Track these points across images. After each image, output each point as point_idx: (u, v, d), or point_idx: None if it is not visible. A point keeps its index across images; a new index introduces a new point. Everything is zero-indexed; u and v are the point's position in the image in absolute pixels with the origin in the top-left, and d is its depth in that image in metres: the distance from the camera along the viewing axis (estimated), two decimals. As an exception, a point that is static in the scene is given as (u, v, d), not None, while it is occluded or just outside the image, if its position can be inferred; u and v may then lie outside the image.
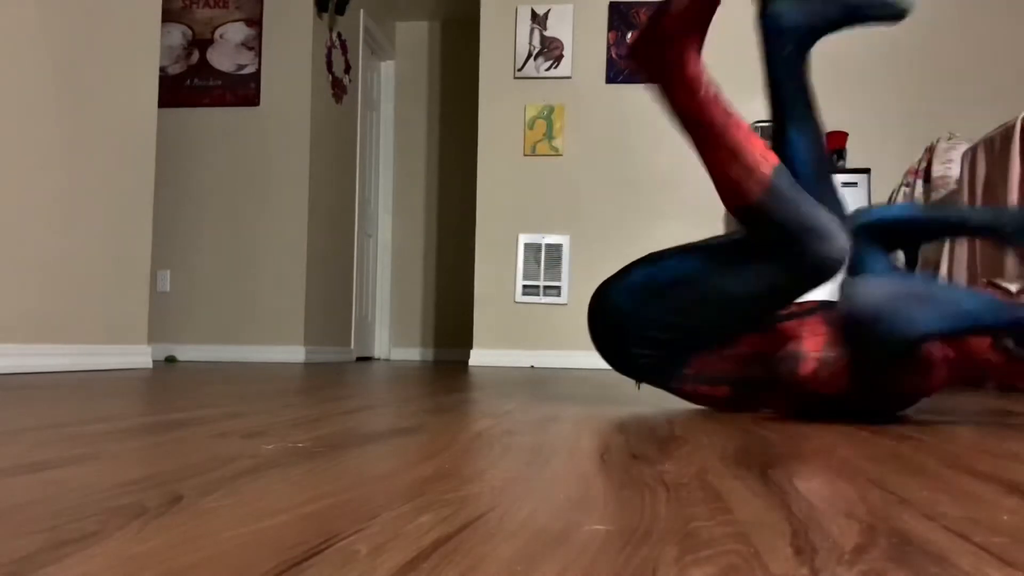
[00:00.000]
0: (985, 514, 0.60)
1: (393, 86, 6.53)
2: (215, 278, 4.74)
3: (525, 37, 5.07)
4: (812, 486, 0.72)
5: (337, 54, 5.22)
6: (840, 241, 1.37)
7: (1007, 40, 4.72)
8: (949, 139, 4.17)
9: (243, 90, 4.79)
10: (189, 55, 4.84)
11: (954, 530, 0.54)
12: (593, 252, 4.90)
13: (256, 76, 4.79)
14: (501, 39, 5.08)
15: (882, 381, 1.36)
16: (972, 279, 3.20)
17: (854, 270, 1.54)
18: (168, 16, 4.85)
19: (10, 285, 2.61)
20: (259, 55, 4.80)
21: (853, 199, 4.16)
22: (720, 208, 4.82)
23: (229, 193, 4.77)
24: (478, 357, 4.88)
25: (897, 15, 1.51)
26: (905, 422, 1.42)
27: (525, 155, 5.00)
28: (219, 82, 4.81)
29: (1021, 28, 4.71)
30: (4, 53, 2.58)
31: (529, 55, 5.06)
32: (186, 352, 4.71)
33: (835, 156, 4.32)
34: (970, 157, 3.28)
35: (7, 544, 0.45)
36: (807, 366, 1.38)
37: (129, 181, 3.25)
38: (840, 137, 4.33)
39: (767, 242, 1.42)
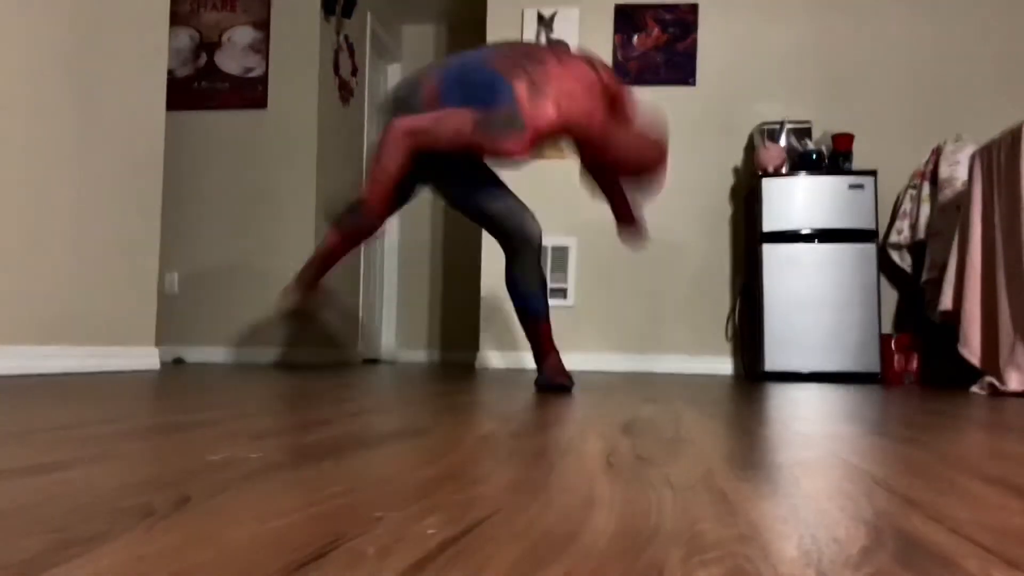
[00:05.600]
0: (993, 517, 0.60)
1: (399, 88, 6.53)
2: (223, 280, 4.75)
3: (531, 40, 5.07)
4: (818, 488, 0.72)
5: (344, 57, 5.23)
6: None
7: (1015, 41, 4.70)
8: (956, 141, 4.15)
9: (250, 93, 4.80)
10: (197, 58, 4.86)
11: (961, 533, 0.54)
12: (600, 254, 4.90)
13: (263, 79, 4.80)
14: (507, 41, 5.08)
15: None
16: (987, 276, 3.19)
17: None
18: (176, 20, 4.88)
19: (19, 287, 2.62)
20: (266, 58, 4.81)
21: (859, 201, 4.14)
22: (726, 208, 4.81)
23: (237, 195, 4.79)
24: (485, 359, 4.88)
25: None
26: (910, 424, 1.42)
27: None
28: (227, 85, 4.82)
29: (1029, 29, 4.69)
30: (14, 57, 2.59)
31: (535, 57, 5.06)
32: (194, 354, 4.72)
33: (842, 158, 4.31)
34: (977, 159, 3.27)
35: (15, 544, 0.45)
36: None
37: (137, 183, 3.26)
38: (846, 139, 4.32)
39: None
